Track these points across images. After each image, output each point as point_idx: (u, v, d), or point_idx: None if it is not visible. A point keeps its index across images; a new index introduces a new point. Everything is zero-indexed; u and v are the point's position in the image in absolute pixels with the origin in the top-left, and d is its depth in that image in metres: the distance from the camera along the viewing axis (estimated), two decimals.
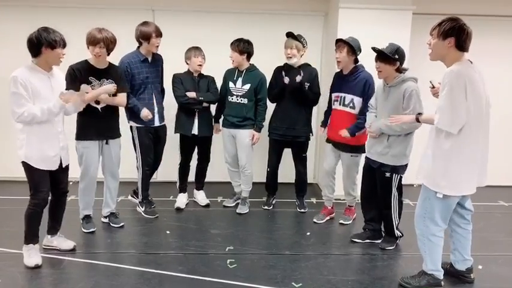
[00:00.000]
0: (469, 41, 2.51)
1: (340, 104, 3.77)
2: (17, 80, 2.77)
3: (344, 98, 3.73)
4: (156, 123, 3.94)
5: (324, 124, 4.01)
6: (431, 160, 2.62)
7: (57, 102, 2.88)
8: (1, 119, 4.70)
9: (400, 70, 3.21)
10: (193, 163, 4.37)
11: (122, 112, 3.75)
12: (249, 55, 4.03)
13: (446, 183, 2.58)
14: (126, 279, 2.91)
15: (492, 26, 4.87)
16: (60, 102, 2.88)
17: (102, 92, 3.35)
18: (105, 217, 3.81)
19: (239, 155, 4.18)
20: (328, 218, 4.08)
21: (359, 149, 3.76)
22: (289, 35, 3.96)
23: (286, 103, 4.03)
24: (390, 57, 3.12)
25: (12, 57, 4.44)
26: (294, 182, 4.38)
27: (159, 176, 5.05)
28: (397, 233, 3.45)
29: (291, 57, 3.95)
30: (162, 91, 4.10)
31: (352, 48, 3.64)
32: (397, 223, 3.41)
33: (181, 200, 4.34)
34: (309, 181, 4.49)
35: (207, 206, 4.35)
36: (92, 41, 3.30)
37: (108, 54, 3.42)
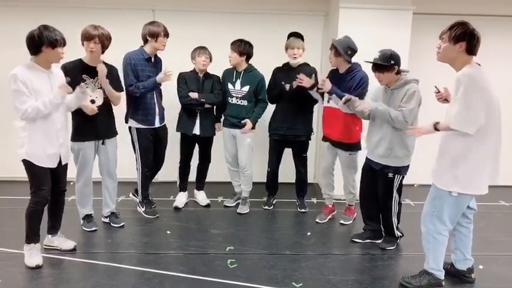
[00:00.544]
0: (479, 45, 2.55)
1: (335, 103, 3.77)
2: (17, 78, 2.77)
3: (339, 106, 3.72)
4: (157, 123, 3.93)
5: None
6: (445, 160, 2.62)
7: (57, 93, 2.88)
8: (1, 119, 4.70)
9: (399, 72, 3.19)
10: (194, 163, 4.37)
11: (118, 111, 3.74)
12: (249, 57, 4.03)
13: (461, 182, 2.59)
14: (127, 279, 2.91)
15: (492, 26, 4.86)
16: (60, 93, 2.88)
17: (102, 77, 3.36)
18: (106, 217, 3.82)
19: (239, 155, 4.18)
20: (330, 216, 4.09)
21: (355, 146, 3.78)
22: (296, 35, 3.95)
23: (287, 103, 4.02)
24: (386, 65, 3.11)
25: (13, 57, 4.45)
26: (294, 182, 4.38)
27: (160, 176, 5.05)
28: (397, 233, 3.45)
29: (296, 57, 3.94)
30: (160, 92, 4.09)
31: (337, 51, 3.59)
32: (396, 224, 3.42)
33: (181, 199, 4.35)
34: (309, 181, 4.49)
35: (208, 206, 4.35)
36: (87, 37, 3.31)
37: (103, 52, 3.41)
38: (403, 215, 3.49)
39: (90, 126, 3.44)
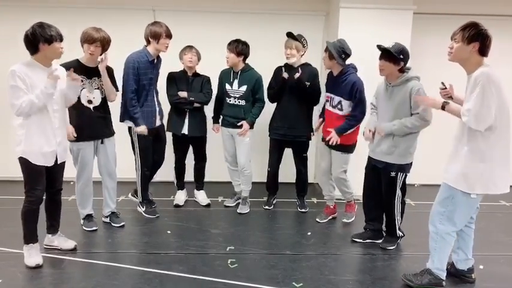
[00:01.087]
0: (490, 46, 2.56)
1: (330, 105, 3.79)
2: (15, 74, 2.76)
3: (333, 99, 3.74)
4: (157, 123, 3.95)
5: (321, 116, 3.99)
6: (462, 161, 2.61)
7: (47, 83, 2.83)
8: (0, 118, 4.70)
9: (403, 70, 3.19)
10: (193, 162, 4.37)
11: (114, 110, 3.73)
12: (246, 57, 4.03)
13: (482, 183, 2.59)
14: (127, 279, 2.91)
15: (492, 25, 4.81)
16: (50, 82, 2.84)
17: (103, 66, 3.38)
18: (106, 217, 3.82)
19: (238, 155, 4.18)
20: (330, 217, 4.09)
21: (349, 148, 3.77)
22: (289, 35, 3.95)
23: (287, 103, 4.03)
24: (396, 56, 3.11)
25: (13, 58, 4.45)
26: (294, 181, 4.38)
27: (159, 175, 5.04)
28: (398, 233, 3.44)
29: (289, 58, 3.94)
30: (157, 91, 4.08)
31: (331, 54, 3.59)
32: (399, 223, 3.41)
33: (180, 197, 4.37)
34: (309, 181, 4.49)
35: (208, 205, 4.35)
36: (89, 40, 3.30)
37: (101, 54, 3.42)
38: (404, 214, 3.48)
39: (89, 126, 3.45)
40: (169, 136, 4.23)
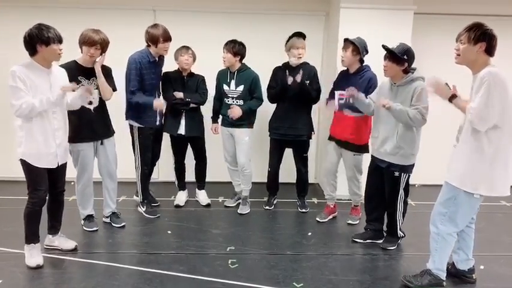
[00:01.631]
0: (496, 46, 2.57)
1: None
2: (15, 74, 2.76)
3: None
4: (158, 123, 3.97)
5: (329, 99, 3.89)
6: (465, 161, 2.61)
7: (55, 93, 2.86)
8: (1, 118, 4.70)
9: (407, 71, 3.19)
10: (193, 162, 4.37)
11: (114, 111, 3.74)
12: (242, 57, 4.03)
13: (486, 184, 2.58)
14: (127, 279, 2.91)
15: (493, 25, 4.82)
16: (59, 93, 2.86)
17: (98, 66, 3.38)
18: (107, 217, 3.82)
19: (237, 154, 4.18)
20: (330, 217, 4.09)
21: (362, 148, 3.78)
22: (301, 35, 3.94)
23: (287, 103, 4.02)
24: (399, 57, 3.11)
25: (12, 58, 4.45)
26: (295, 182, 4.38)
27: (160, 176, 5.06)
28: (399, 233, 3.44)
29: (301, 57, 3.94)
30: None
31: (357, 48, 3.64)
32: (400, 224, 3.41)
33: (180, 197, 4.37)
34: (310, 181, 4.49)
35: (208, 205, 4.36)
36: (89, 42, 3.29)
37: (100, 55, 3.42)
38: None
39: (88, 127, 3.44)
40: (168, 137, 4.23)
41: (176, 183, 4.43)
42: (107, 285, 2.81)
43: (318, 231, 3.82)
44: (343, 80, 3.78)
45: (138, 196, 4.25)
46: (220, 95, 4.16)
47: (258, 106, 4.10)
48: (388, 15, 4.36)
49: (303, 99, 3.98)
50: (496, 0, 4.84)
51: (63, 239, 3.31)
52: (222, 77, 4.13)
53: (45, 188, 3.00)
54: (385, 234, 3.54)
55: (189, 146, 4.29)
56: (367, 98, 3.45)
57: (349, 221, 3.98)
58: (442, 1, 4.80)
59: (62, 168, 3.13)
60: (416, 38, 4.41)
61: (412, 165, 3.30)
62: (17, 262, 3.05)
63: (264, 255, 3.30)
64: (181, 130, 4.07)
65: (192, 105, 4.01)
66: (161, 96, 3.89)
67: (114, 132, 3.70)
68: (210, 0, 4.83)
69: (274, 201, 4.43)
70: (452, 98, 2.60)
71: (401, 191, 3.31)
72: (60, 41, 2.89)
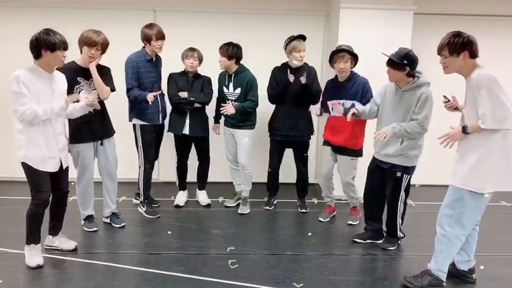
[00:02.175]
0: (478, 47, 2.60)
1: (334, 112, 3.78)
2: (19, 79, 2.76)
3: (345, 104, 3.72)
4: (160, 121, 3.99)
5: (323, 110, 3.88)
6: (470, 161, 2.61)
7: (59, 104, 2.88)
8: (2, 118, 4.71)
9: (412, 75, 3.17)
10: (195, 163, 4.38)
11: (115, 112, 3.76)
12: (238, 59, 4.02)
13: (492, 180, 2.59)
14: (128, 279, 2.91)
15: (493, 26, 4.86)
16: (62, 104, 2.88)
17: (93, 66, 3.36)
18: (107, 217, 3.82)
19: (238, 155, 4.19)
20: (331, 215, 4.13)
21: (358, 152, 3.80)
22: (302, 37, 3.93)
23: (287, 103, 4.02)
24: (397, 63, 3.10)
25: (12, 58, 4.45)
26: (295, 182, 4.38)
27: (161, 176, 5.06)
28: (399, 234, 3.45)
29: (302, 60, 3.94)
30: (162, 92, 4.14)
31: (355, 58, 3.67)
32: (400, 224, 3.42)
33: (180, 198, 4.38)
34: (310, 181, 4.49)
35: (208, 206, 4.36)
36: (90, 43, 3.29)
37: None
38: (405, 215, 3.48)
39: (87, 128, 3.44)
40: (171, 137, 4.24)
41: (177, 183, 4.43)
42: (107, 286, 2.81)
43: (318, 231, 3.82)
44: (335, 89, 3.77)
45: (137, 199, 4.26)
46: (221, 97, 4.17)
47: (252, 108, 4.07)
48: (388, 16, 4.36)
49: (303, 100, 3.99)
50: (496, 0, 4.84)
51: (64, 240, 3.31)
52: (222, 79, 4.15)
53: (48, 189, 3.00)
54: (385, 234, 3.54)
55: (192, 146, 4.29)
56: (368, 102, 3.50)
57: (350, 222, 3.98)
58: (442, 1, 4.80)
59: (65, 170, 3.13)
60: (416, 38, 4.42)
61: (414, 167, 3.31)
62: (17, 262, 3.05)
63: (264, 256, 3.30)
64: (186, 130, 4.08)
65: (196, 105, 4.02)
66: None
67: (114, 132, 3.70)
68: (209, 1, 4.83)
69: (274, 202, 4.43)
70: (465, 131, 2.62)
71: (403, 192, 3.31)
72: (65, 48, 2.90)
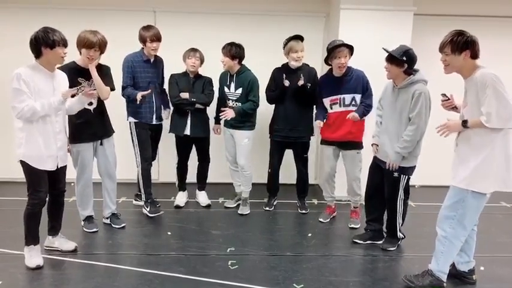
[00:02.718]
0: (479, 48, 2.61)
1: (340, 106, 3.78)
2: (20, 77, 2.77)
3: (344, 99, 3.75)
4: (154, 121, 3.99)
5: (321, 118, 3.89)
6: (470, 162, 2.61)
7: (57, 97, 2.88)
8: (2, 119, 4.70)
9: (409, 72, 3.18)
10: (195, 163, 4.38)
11: (114, 111, 3.77)
12: (241, 59, 4.03)
13: (495, 182, 2.60)
14: (127, 280, 2.91)
15: (493, 26, 4.87)
16: (59, 98, 2.88)
17: (93, 66, 3.37)
18: (107, 218, 3.82)
19: (237, 156, 4.19)
20: (332, 216, 4.13)
21: (361, 144, 3.84)
22: (300, 37, 3.94)
23: (287, 104, 4.03)
24: (398, 58, 3.11)
25: (12, 59, 4.45)
26: (294, 183, 4.38)
27: (160, 176, 5.06)
28: (399, 234, 3.44)
29: (301, 60, 3.94)
30: (163, 92, 4.15)
31: (352, 51, 3.69)
32: (400, 225, 3.41)
33: (180, 198, 4.38)
34: (310, 182, 4.49)
35: (208, 206, 4.35)
36: (87, 45, 3.29)
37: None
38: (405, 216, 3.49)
39: (87, 128, 3.45)
40: (172, 137, 4.24)
41: (177, 183, 4.43)
42: (107, 286, 2.81)
43: (318, 232, 3.82)
44: (333, 85, 3.77)
45: (137, 200, 4.25)
46: (222, 97, 4.17)
47: (253, 109, 4.07)
48: (388, 16, 4.37)
49: (303, 101, 3.99)
50: (496, 1, 4.84)
51: (63, 240, 3.30)
52: (223, 80, 4.15)
53: (45, 189, 3.00)
54: (385, 235, 3.54)
55: (192, 147, 4.30)
56: (370, 96, 3.60)
57: (352, 225, 3.93)
58: (442, 2, 4.80)
59: (63, 169, 3.13)
60: (416, 39, 4.42)
61: (413, 168, 3.30)
62: (17, 263, 3.04)
63: (264, 256, 3.30)
64: (187, 131, 4.09)
65: (197, 105, 4.02)
66: (139, 93, 3.81)
67: (113, 132, 3.70)
68: (210, 2, 4.84)
69: (274, 202, 4.43)
70: (465, 125, 2.62)
71: (401, 192, 3.31)
72: (65, 44, 2.91)
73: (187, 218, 4.06)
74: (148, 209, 4.04)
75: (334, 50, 3.66)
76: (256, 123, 4.22)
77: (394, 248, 3.45)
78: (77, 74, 3.36)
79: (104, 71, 3.51)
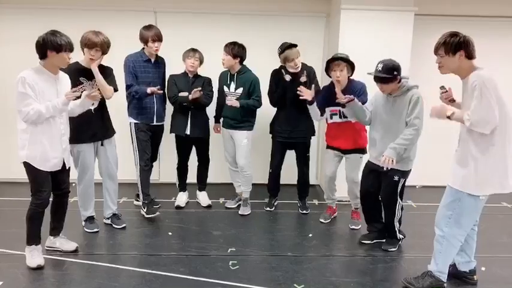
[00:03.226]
0: (475, 48, 2.60)
1: (340, 117, 3.78)
2: (25, 81, 2.79)
3: (343, 111, 3.72)
4: (155, 122, 3.99)
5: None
6: (467, 163, 2.61)
7: (60, 99, 2.90)
8: (2, 120, 4.71)
9: (400, 79, 3.20)
10: (195, 164, 4.38)
11: (116, 111, 3.78)
12: (242, 59, 4.03)
13: (489, 183, 2.59)
14: (128, 280, 2.91)
15: (493, 26, 4.87)
16: (63, 99, 2.89)
17: (95, 67, 3.37)
18: (107, 218, 3.82)
19: (237, 156, 4.19)
20: (332, 217, 4.14)
21: (364, 150, 3.83)
22: (294, 46, 3.89)
23: (289, 105, 4.03)
24: (390, 77, 3.12)
25: (13, 59, 4.47)
26: (295, 183, 4.38)
27: (161, 177, 5.06)
28: (399, 235, 3.45)
29: (298, 67, 3.92)
30: (164, 93, 4.14)
31: (352, 66, 3.65)
32: (398, 227, 3.42)
33: (181, 198, 4.38)
34: (311, 182, 4.49)
35: (209, 207, 4.35)
36: (89, 45, 3.31)
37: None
38: (405, 216, 3.49)
39: (88, 128, 3.45)
40: (172, 138, 4.24)
41: (177, 184, 4.44)
42: (108, 287, 2.81)
43: (318, 232, 3.82)
44: (333, 95, 3.65)
45: (138, 200, 4.26)
46: (221, 97, 4.17)
47: (256, 107, 4.08)
48: (388, 17, 4.36)
49: (303, 101, 3.98)
50: (497, 1, 4.84)
51: (64, 240, 3.31)
52: (223, 79, 4.15)
53: (49, 190, 3.00)
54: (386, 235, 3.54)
55: (192, 147, 4.30)
56: (363, 103, 3.49)
57: (353, 226, 3.93)
58: (442, 2, 4.80)
59: (66, 170, 3.14)
60: (417, 39, 4.42)
61: (410, 171, 3.32)
62: (18, 263, 3.05)
63: (265, 257, 3.30)
64: (188, 130, 4.09)
65: (195, 97, 4.01)
66: (150, 88, 3.84)
67: (114, 133, 3.70)
68: (210, 2, 4.84)
69: (275, 203, 4.43)
70: (450, 116, 2.63)
71: (398, 196, 3.33)
72: (71, 49, 2.93)
73: (188, 219, 4.06)
74: (145, 210, 4.03)
75: (331, 62, 3.65)
76: (256, 123, 4.22)
77: (395, 249, 3.45)
78: (80, 74, 3.37)
79: (107, 72, 3.52)
